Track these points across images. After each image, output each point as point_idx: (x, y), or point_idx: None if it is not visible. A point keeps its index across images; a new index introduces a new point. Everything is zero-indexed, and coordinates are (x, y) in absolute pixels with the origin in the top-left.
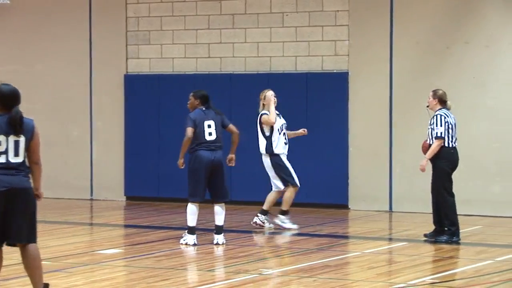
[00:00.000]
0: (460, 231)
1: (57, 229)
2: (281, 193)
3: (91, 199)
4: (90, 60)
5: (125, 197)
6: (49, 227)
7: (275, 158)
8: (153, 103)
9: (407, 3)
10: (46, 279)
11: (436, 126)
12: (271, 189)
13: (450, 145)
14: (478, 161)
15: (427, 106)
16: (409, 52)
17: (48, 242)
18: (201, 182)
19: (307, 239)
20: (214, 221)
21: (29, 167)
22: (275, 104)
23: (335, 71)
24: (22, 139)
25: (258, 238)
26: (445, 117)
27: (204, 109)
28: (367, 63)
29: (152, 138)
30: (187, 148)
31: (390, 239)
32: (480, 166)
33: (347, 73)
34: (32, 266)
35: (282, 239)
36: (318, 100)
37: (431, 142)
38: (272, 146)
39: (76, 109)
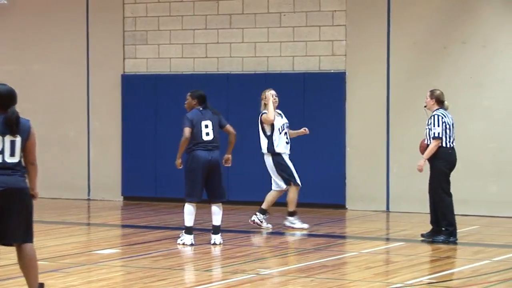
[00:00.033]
0: (457, 231)
1: (54, 229)
2: (281, 193)
3: (88, 199)
4: (87, 60)
5: (122, 197)
6: (46, 227)
7: (277, 158)
8: (150, 103)
9: (404, 3)
10: (43, 279)
11: (434, 126)
12: (271, 189)
13: (448, 145)
14: (475, 161)
15: (425, 106)
16: (406, 52)
17: (45, 242)
18: (198, 182)
19: (304, 239)
20: (211, 221)
21: (25, 167)
22: (277, 104)
23: (332, 71)
24: (18, 139)
25: (256, 238)
26: (442, 117)
27: (201, 109)
28: (364, 63)
29: (149, 138)
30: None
31: (387, 239)
32: (477, 166)
33: (344, 73)
34: (28, 266)
35: (279, 239)
36: (316, 100)
37: (429, 142)
38: (273, 146)
39: (73, 109)
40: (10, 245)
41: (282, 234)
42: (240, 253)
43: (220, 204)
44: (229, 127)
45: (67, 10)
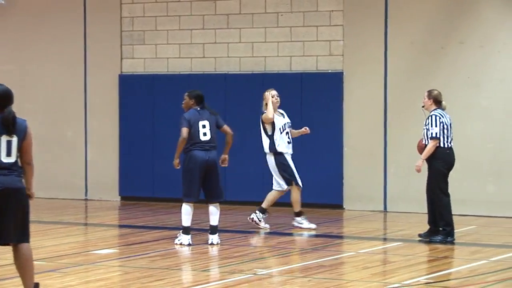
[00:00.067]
0: (455, 231)
1: (52, 229)
2: (282, 193)
3: (86, 199)
4: (85, 60)
5: (119, 197)
6: (44, 227)
7: (279, 157)
8: (148, 103)
9: (401, 3)
10: (40, 279)
11: (431, 126)
12: (270, 188)
13: (446, 146)
14: (473, 161)
15: (422, 106)
16: (403, 52)
17: (43, 242)
18: (195, 182)
19: (301, 239)
20: (208, 221)
21: (21, 167)
22: (278, 104)
23: (329, 71)
24: (14, 139)
25: (253, 238)
26: (440, 118)
27: (198, 109)
28: (362, 63)
29: (147, 138)
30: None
31: (385, 239)
32: (475, 166)
33: (342, 73)
34: (24, 266)
35: (277, 239)
36: (313, 100)
37: (426, 143)
38: (275, 145)
39: (70, 109)
40: (7, 244)
41: (279, 234)
42: (237, 253)
43: (218, 204)
44: (226, 127)
45: (65, 11)
